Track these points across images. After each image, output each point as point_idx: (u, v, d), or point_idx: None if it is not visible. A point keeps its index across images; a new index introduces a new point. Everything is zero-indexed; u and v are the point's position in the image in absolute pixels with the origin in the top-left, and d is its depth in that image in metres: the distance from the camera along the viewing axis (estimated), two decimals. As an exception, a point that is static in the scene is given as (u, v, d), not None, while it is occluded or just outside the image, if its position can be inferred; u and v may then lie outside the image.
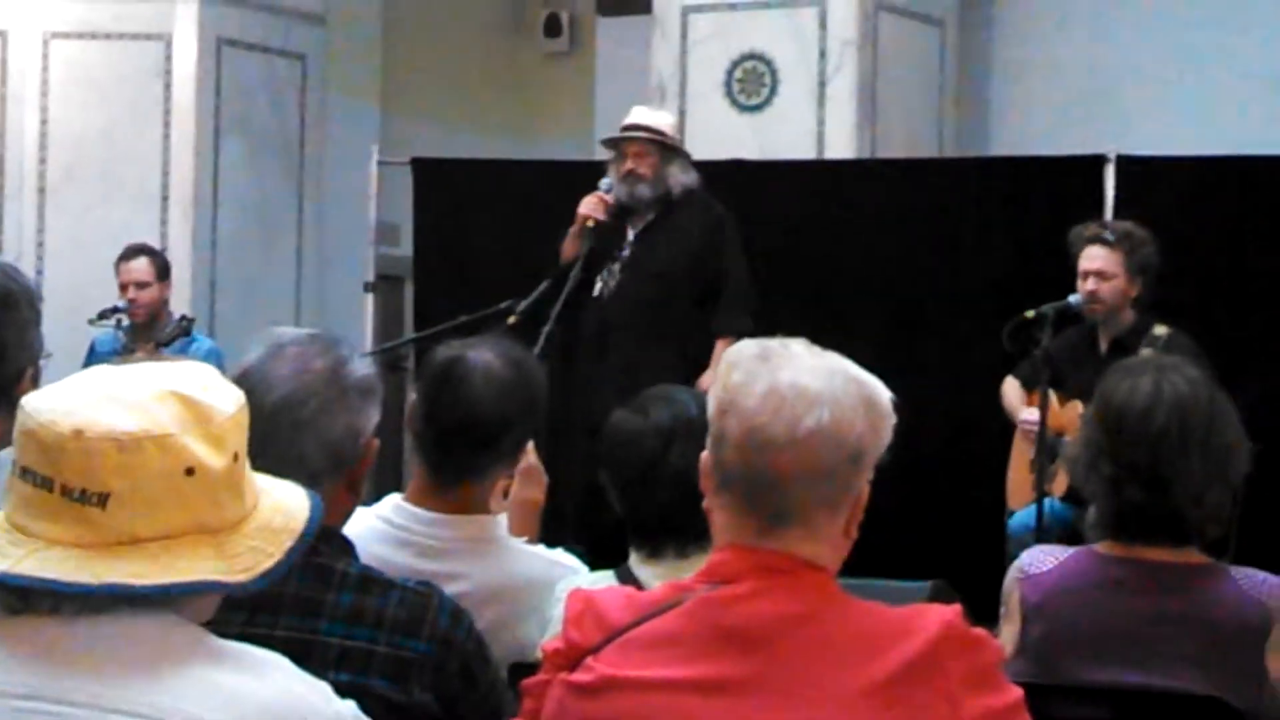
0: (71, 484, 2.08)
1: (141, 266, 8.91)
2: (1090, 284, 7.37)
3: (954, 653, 2.43)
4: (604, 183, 7.93)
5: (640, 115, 8.13)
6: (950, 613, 2.47)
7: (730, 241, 8.05)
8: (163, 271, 8.97)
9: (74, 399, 2.11)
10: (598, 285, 7.87)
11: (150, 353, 8.32)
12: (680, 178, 8.00)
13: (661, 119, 8.18)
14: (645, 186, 7.91)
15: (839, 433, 2.46)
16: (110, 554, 2.08)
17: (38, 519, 2.09)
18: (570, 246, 7.90)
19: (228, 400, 2.18)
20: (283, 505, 2.22)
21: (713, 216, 8.03)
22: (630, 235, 7.93)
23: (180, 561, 2.10)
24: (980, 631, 2.50)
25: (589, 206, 7.87)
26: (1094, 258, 7.40)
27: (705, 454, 2.56)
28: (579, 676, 2.50)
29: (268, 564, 2.16)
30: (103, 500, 2.08)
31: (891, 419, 2.53)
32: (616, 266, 7.90)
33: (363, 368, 3.05)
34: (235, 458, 2.17)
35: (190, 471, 2.11)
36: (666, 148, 8.01)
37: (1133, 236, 7.39)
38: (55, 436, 2.08)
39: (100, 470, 2.08)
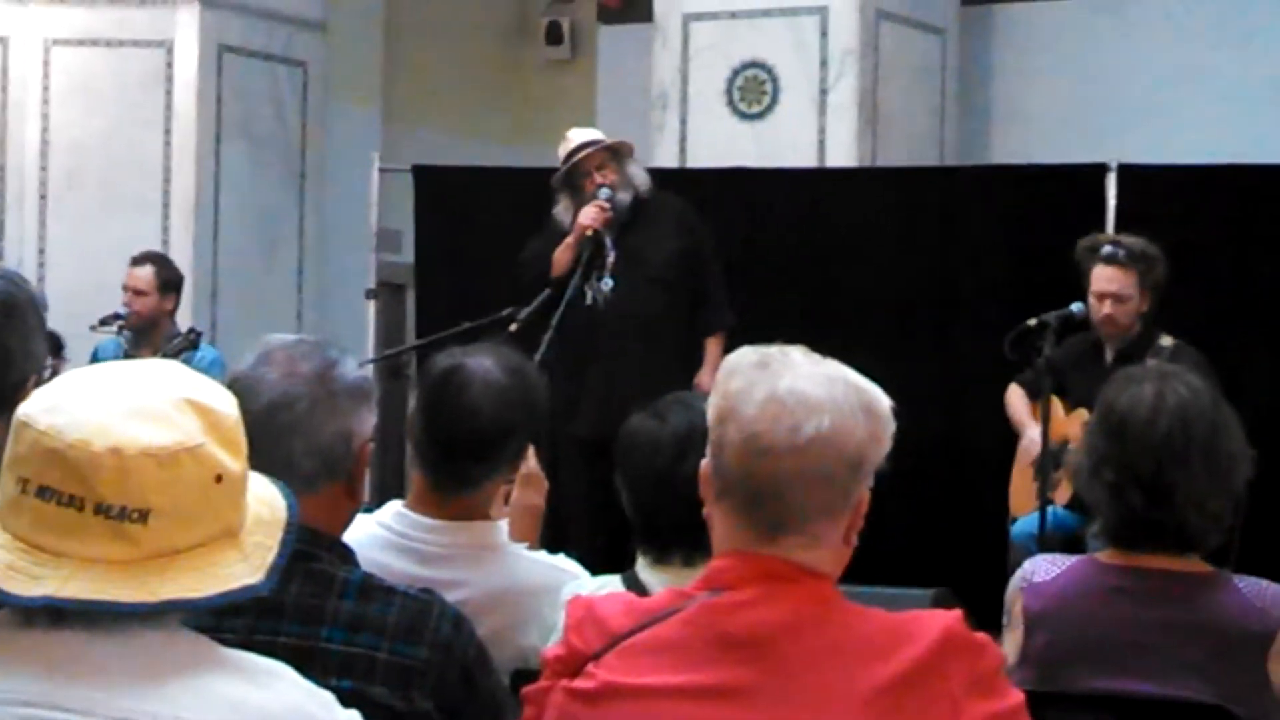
0: (109, 501, 2.06)
1: (144, 275, 8.91)
2: (1107, 308, 7.35)
3: (955, 657, 2.43)
4: (603, 192, 7.93)
5: (579, 135, 8.16)
6: (951, 618, 2.47)
7: (706, 233, 8.12)
8: (166, 285, 8.93)
9: (97, 415, 2.09)
10: (588, 294, 7.86)
11: None
12: (641, 175, 8.11)
13: (596, 132, 8.25)
14: (623, 194, 7.95)
15: (839, 440, 2.46)
16: (152, 568, 2.08)
17: (64, 538, 2.07)
18: (565, 256, 7.91)
19: (228, 402, 2.19)
20: (263, 496, 2.22)
21: (683, 211, 8.11)
22: (608, 242, 7.93)
23: (216, 569, 2.11)
24: (981, 636, 2.50)
25: (589, 217, 7.88)
26: (1109, 280, 7.36)
27: (705, 461, 2.56)
28: (580, 683, 2.50)
29: (271, 558, 2.16)
30: (143, 516, 2.07)
31: (891, 426, 2.53)
32: (606, 274, 7.91)
33: (353, 371, 3.04)
34: (246, 460, 2.17)
35: (219, 479, 2.12)
36: (618, 153, 8.07)
37: (1147, 256, 7.35)
38: (89, 456, 2.06)
39: (140, 487, 2.07)
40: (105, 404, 2.11)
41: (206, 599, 2.09)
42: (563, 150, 8.11)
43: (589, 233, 7.87)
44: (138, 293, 8.86)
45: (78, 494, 2.06)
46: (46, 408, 2.11)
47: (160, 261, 9.09)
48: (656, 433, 3.60)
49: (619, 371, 7.70)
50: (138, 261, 8.98)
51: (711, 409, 2.54)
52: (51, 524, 2.07)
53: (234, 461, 2.14)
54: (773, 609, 2.46)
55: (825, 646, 2.44)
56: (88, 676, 2.07)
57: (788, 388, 2.47)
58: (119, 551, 2.07)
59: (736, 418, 2.48)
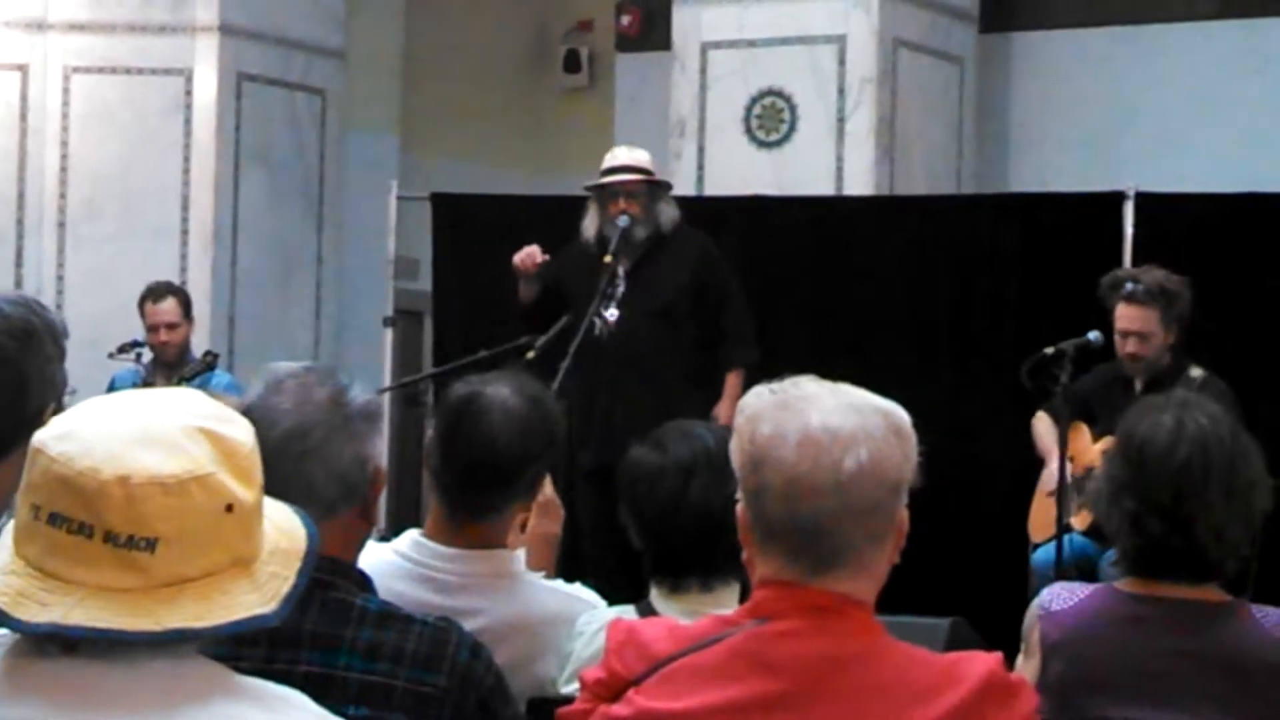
0: (117, 530, 2.05)
1: (170, 308, 8.93)
2: (1131, 346, 7.37)
3: (995, 703, 2.46)
4: (621, 220, 7.91)
5: (624, 156, 8.16)
6: (993, 661, 2.50)
7: (726, 271, 8.12)
8: (188, 309, 9.01)
9: (107, 442, 2.09)
10: (597, 324, 7.87)
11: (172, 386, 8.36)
12: (669, 213, 8.10)
13: (643, 156, 8.21)
14: (640, 226, 7.96)
15: (879, 468, 2.48)
16: (161, 597, 2.07)
17: (74, 565, 2.06)
18: (526, 292, 7.96)
19: (244, 431, 2.18)
20: (283, 526, 2.21)
21: (704, 248, 8.11)
22: (621, 272, 7.93)
23: (225, 597, 2.10)
24: (1019, 679, 2.54)
25: (521, 259, 7.92)
26: (1131, 319, 7.36)
27: (741, 508, 2.55)
28: (618, 709, 2.50)
29: (286, 588, 2.15)
30: (151, 545, 2.06)
31: (914, 440, 2.55)
32: (612, 304, 7.92)
33: (363, 395, 3.06)
34: (260, 489, 2.17)
35: (230, 508, 2.10)
36: (654, 184, 8.07)
37: (1167, 292, 7.35)
38: (98, 484, 2.05)
39: (148, 515, 2.05)
40: (116, 432, 2.10)
41: (213, 628, 2.08)
42: (608, 161, 8.13)
43: (526, 275, 7.89)
44: (171, 326, 8.88)
45: (86, 522, 2.05)
46: (59, 435, 2.11)
47: (178, 291, 9.16)
48: (659, 463, 3.60)
49: (618, 402, 7.76)
50: (159, 296, 8.97)
51: (739, 455, 2.53)
52: (62, 551, 2.07)
53: (246, 491, 2.13)
54: (819, 641, 2.47)
55: (869, 684, 2.46)
56: (99, 706, 2.06)
57: (820, 424, 2.48)
58: (127, 580, 2.06)
59: (773, 462, 2.48)
